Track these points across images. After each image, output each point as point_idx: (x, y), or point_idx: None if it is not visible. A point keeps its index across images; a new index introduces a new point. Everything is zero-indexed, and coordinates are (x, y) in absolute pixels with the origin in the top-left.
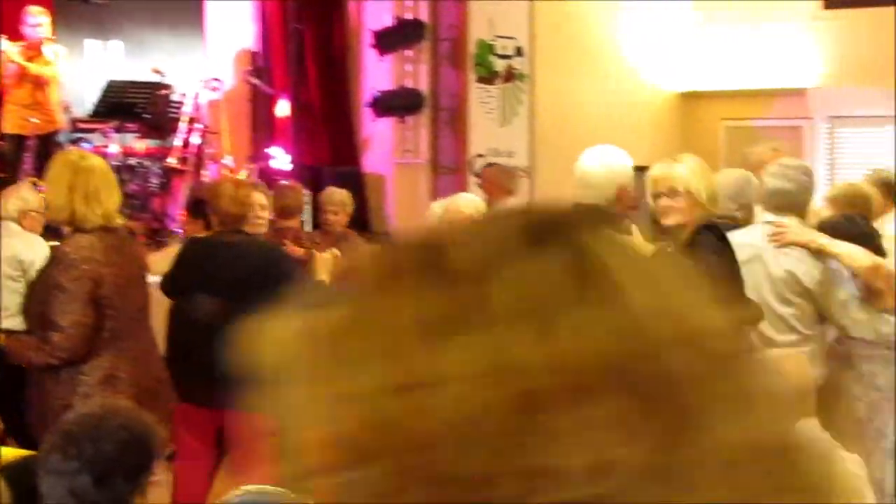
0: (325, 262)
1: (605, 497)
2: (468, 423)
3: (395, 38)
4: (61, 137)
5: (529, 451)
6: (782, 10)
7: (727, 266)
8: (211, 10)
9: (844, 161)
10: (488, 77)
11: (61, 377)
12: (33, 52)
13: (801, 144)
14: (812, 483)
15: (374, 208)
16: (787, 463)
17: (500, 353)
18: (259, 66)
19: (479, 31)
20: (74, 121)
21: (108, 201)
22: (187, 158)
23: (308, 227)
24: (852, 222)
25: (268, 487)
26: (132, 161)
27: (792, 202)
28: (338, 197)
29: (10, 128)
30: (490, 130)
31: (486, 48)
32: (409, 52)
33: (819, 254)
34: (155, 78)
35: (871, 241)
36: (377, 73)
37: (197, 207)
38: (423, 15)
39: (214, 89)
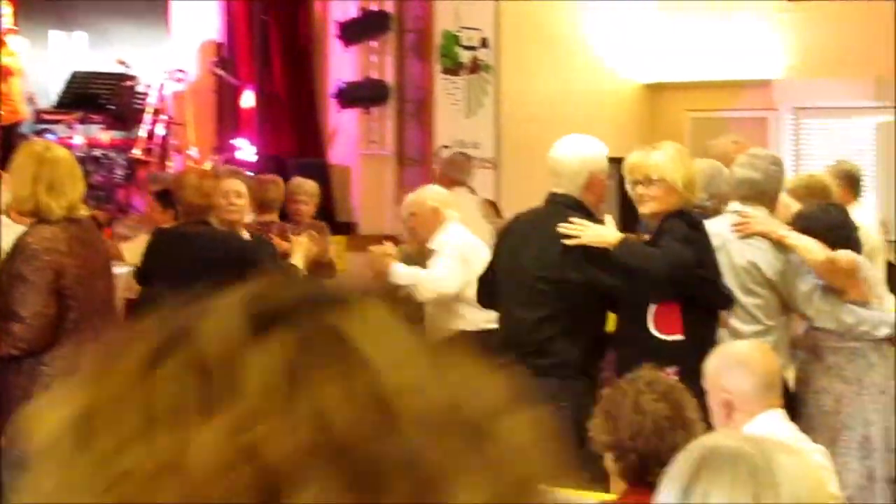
0: (300, 246)
1: None
2: None
3: (361, 29)
4: (25, 129)
5: None
6: (747, 1)
7: (697, 253)
8: (176, 1)
9: (810, 152)
10: (454, 68)
11: (23, 368)
12: None
13: (767, 135)
14: None
15: (339, 200)
16: None
17: (241, 437)
18: (224, 57)
19: (445, 22)
20: (39, 112)
21: (73, 192)
22: (152, 150)
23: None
24: (827, 212)
25: None
26: (97, 152)
27: (760, 192)
28: (308, 187)
29: None
30: (456, 122)
31: (452, 39)
32: (374, 44)
33: (779, 245)
34: (120, 69)
35: (845, 232)
36: (343, 64)
37: (166, 198)
38: (389, 6)
39: (179, 80)
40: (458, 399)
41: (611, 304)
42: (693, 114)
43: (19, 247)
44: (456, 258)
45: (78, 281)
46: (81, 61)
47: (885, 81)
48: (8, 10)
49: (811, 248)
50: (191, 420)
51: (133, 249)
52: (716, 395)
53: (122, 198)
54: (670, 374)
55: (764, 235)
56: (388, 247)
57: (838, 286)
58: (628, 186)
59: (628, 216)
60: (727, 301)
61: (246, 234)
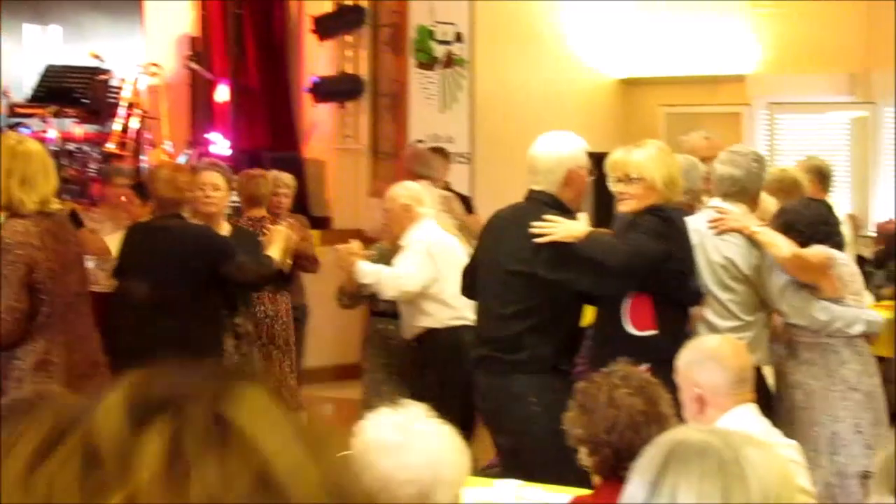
0: (278, 235)
1: None
2: None
3: (336, 23)
4: None
5: None
6: None
7: (667, 247)
8: None
9: (784, 147)
10: (428, 63)
11: None
12: None
13: (741, 130)
14: None
15: (313, 194)
16: None
17: None
18: (198, 51)
19: (419, 16)
20: (13, 106)
21: (45, 186)
22: (126, 143)
23: None
24: (808, 208)
25: None
26: (71, 146)
27: (741, 189)
28: (286, 179)
29: None
30: (430, 116)
31: (426, 34)
32: (349, 38)
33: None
34: (94, 63)
35: (826, 228)
36: (317, 58)
37: (144, 192)
38: (364, 1)
39: (154, 74)
40: (339, 479)
41: (587, 299)
42: (667, 109)
43: None
44: (421, 255)
45: (50, 275)
46: (56, 55)
47: (859, 77)
48: None
49: (778, 244)
50: None
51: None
52: (688, 390)
53: (95, 192)
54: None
55: (738, 231)
56: (355, 245)
57: (808, 282)
58: (610, 183)
59: (603, 211)
60: (696, 297)
61: (226, 227)
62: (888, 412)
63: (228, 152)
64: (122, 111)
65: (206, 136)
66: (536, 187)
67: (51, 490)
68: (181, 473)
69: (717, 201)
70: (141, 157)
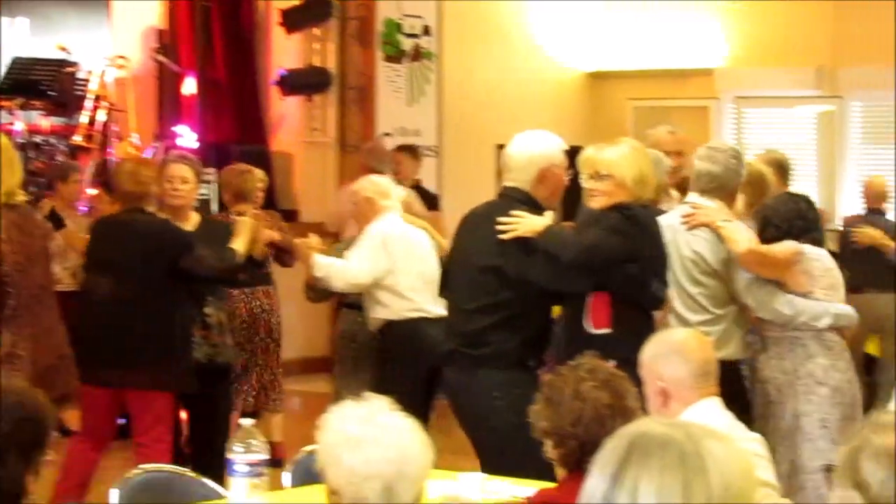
0: (244, 227)
1: None
2: None
3: (303, 16)
4: None
5: None
6: None
7: (627, 246)
8: None
9: (751, 140)
10: (396, 56)
11: None
12: None
13: (708, 124)
14: None
15: (280, 187)
16: None
17: None
18: (166, 43)
19: (387, 10)
20: None
21: (11, 179)
22: (93, 136)
23: (214, 206)
24: (786, 203)
25: (166, 467)
26: (38, 138)
27: (720, 185)
28: (259, 173)
29: None
30: (398, 109)
31: (394, 27)
32: (316, 31)
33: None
34: (61, 55)
35: (803, 223)
36: (285, 51)
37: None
38: None
39: (121, 67)
40: None
41: (555, 296)
42: (635, 102)
43: None
44: (374, 248)
45: (17, 268)
46: (23, 47)
47: (826, 71)
48: None
49: (737, 239)
50: None
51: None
52: (652, 384)
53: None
54: None
55: (707, 226)
56: (313, 238)
57: (769, 277)
58: (582, 180)
59: (570, 206)
60: (656, 302)
61: (195, 219)
62: (862, 408)
63: (195, 145)
64: (89, 104)
65: (173, 128)
66: (509, 184)
67: None
68: None
69: (694, 197)
70: (108, 150)
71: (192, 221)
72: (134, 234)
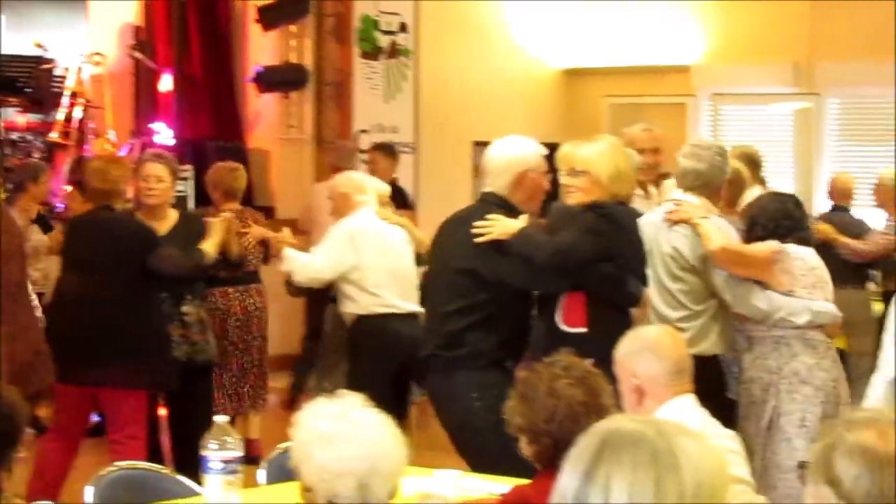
0: (216, 227)
1: None
2: None
3: (280, 13)
4: None
5: None
6: None
7: (602, 245)
8: None
9: (728, 137)
10: (372, 53)
11: None
12: None
13: (685, 121)
14: None
15: (257, 184)
16: None
17: None
18: (142, 40)
19: (364, 6)
20: None
21: None
22: (70, 133)
23: (191, 202)
24: (773, 202)
25: (141, 464)
26: (14, 135)
27: (704, 183)
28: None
29: None
30: (374, 106)
31: (371, 24)
32: (293, 28)
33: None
34: (37, 52)
35: (790, 223)
36: (261, 48)
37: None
38: None
39: (97, 64)
40: None
41: (530, 296)
42: (611, 99)
43: None
44: (339, 243)
45: None
46: None
47: (803, 67)
48: None
49: (710, 236)
50: None
51: None
52: (626, 381)
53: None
54: None
55: (686, 222)
56: (287, 233)
57: (745, 276)
58: (559, 177)
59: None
60: (632, 299)
61: (173, 217)
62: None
63: (172, 142)
64: (65, 100)
65: (149, 125)
66: (487, 189)
67: None
68: None
69: (678, 193)
70: (85, 147)
71: (170, 219)
72: (102, 233)
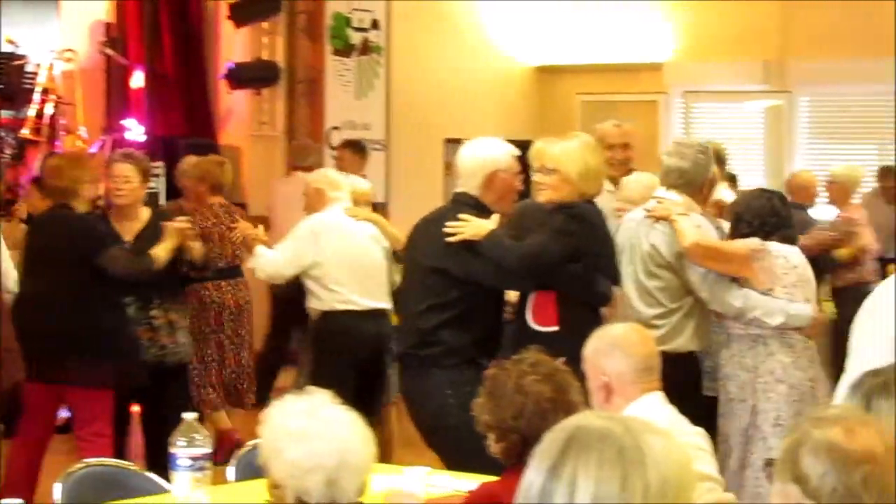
0: (172, 233)
1: None
2: None
3: (251, 10)
4: None
5: None
6: None
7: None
8: None
9: (700, 134)
10: (345, 50)
11: None
12: None
13: (657, 118)
14: None
15: None
16: None
17: None
18: (114, 36)
19: (336, 3)
20: None
21: None
22: (41, 129)
23: (162, 199)
24: (759, 199)
25: (109, 461)
26: None
27: (688, 181)
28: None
29: None
30: (346, 103)
31: (343, 21)
32: (265, 25)
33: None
34: (9, 48)
35: (775, 220)
36: (233, 44)
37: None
38: None
39: (69, 60)
40: None
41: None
42: (584, 97)
43: None
44: (300, 240)
45: None
46: None
47: (774, 65)
48: None
49: (685, 233)
50: None
51: None
52: (595, 378)
53: (10, 177)
54: None
55: (665, 219)
56: (259, 230)
57: (718, 272)
58: (531, 173)
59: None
60: (602, 298)
61: (145, 215)
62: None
63: (143, 138)
64: (37, 97)
65: (121, 122)
66: (459, 189)
67: None
68: None
69: (661, 191)
70: (56, 143)
71: (141, 218)
72: (56, 231)
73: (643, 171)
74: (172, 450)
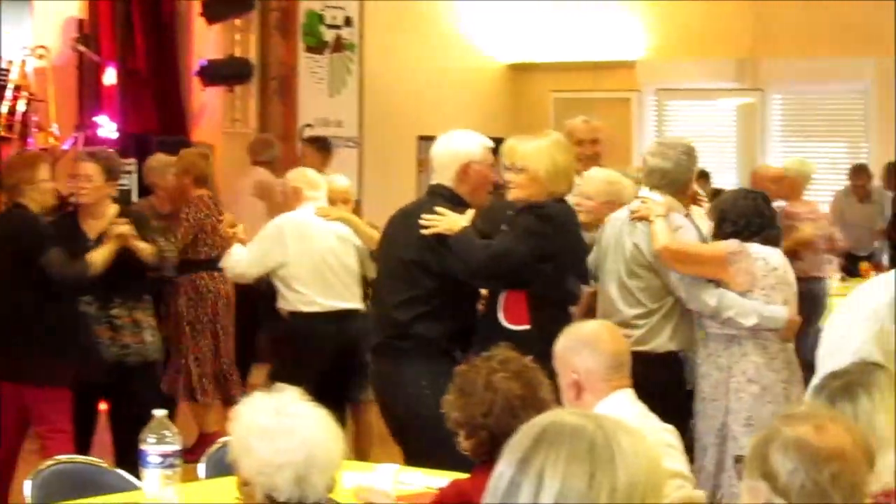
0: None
1: None
2: None
3: (224, 6)
4: None
5: None
6: None
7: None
8: None
9: (672, 132)
10: (317, 47)
11: None
12: None
13: (630, 116)
14: None
15: None
16: None
17: None
18: (86, 33)
19: (309, 1)
20: None
21: None
22: (13, 126)
23: (134, 196)
24: (744, 199)
25: (79, 458)
26: None
27: (670, 181)
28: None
29: None
30: (319, 100)
31: (316, 18)
32: (238, 22)
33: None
34: None
35: (759, 220)
36: (206, 41)
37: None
38: None
39: (41, 57)
40: None
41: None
42: (557, 94)
43: None
44: (266, 240)
45: None
46: None
47: (747, 63)
48: None
49: (656, 235)
50: None
51: None
52: (565, 376)
53: None
54: None
55: (645, 219)
56: (239, 228)
57: (691, 274)
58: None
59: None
60: (571, 297)
61: (111, 213)
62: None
63: (116, 135)
64: (8, 94)
65: (93, 119)
66: (434, 181)
67: None
68: None
69: (645, 191)
70: (28, 141)
71: (107, 217)
72: (4, 231)
73: (611, 168)
74: (143, 447)
